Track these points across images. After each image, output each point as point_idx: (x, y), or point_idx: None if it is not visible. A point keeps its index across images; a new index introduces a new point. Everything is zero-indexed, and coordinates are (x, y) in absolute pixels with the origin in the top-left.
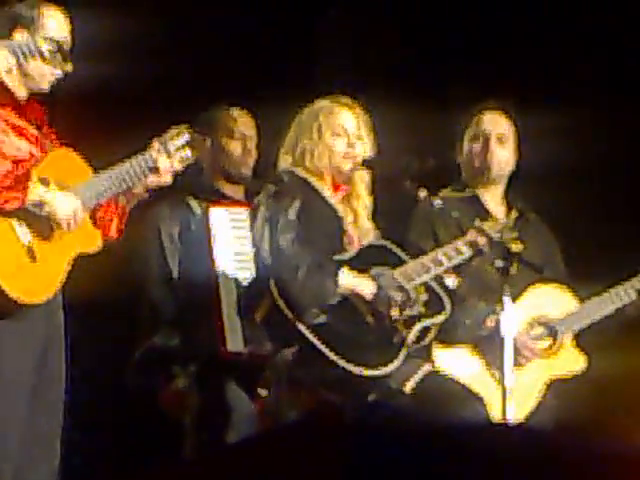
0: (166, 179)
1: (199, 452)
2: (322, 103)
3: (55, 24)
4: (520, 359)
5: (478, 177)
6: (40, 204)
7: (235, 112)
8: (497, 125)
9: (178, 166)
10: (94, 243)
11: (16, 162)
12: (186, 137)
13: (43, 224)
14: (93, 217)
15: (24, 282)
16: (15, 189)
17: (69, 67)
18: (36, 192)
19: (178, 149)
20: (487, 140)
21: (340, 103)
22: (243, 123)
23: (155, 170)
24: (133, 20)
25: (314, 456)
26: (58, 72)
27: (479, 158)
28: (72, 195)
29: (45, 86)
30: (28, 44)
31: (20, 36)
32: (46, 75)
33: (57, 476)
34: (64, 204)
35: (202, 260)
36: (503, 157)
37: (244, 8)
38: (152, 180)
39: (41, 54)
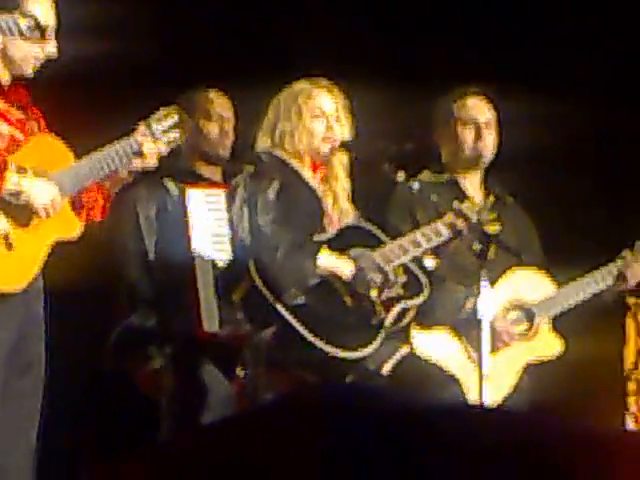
0: (151, 162)
1: (175, 433)
2: (301, 85)
3: (40, 9)
4: (498, 343)
5: (466, 163)
6: (17, 193)
7: (212, 94)
8: (484, 111)
9: (164, 148)
10: (73, 229)
11: None
12: (175, 119)
13: (20, 212)
14: (78, 201)
15: (0, 270)
16: None
17: (51, 48)
18: (13, 181)
19: (166, 131)
20: (478, 127)
21: (319, 85)
22: (220, 105)
23: (140, 154)
24: (115, 3)
25: (291, 437)
26: (38, 50)
27: (471, 145)
28: (50, 183)
29: (28, 70)
30: (7, 21)
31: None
32: (28, 57)
33: (33, 459)
34: (42, 192)
35: (179, 241)
36: (491, 144)
37: None
38: (137, 163)
39: (20, 31)
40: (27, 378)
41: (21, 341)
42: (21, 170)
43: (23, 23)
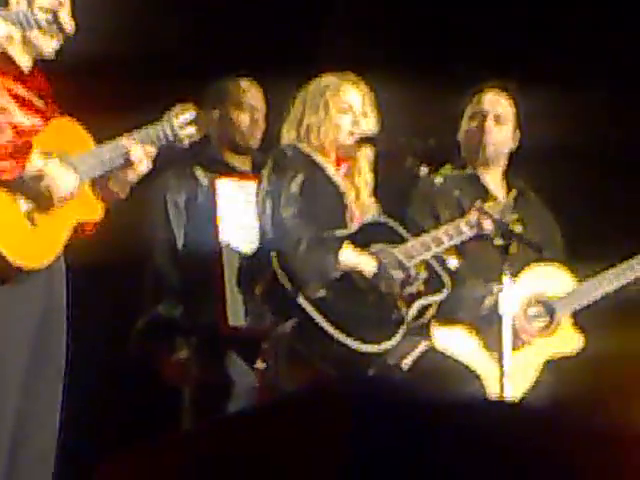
0: (144, 168)
1: (198, 423)
2: (328, 79)
3: None
4: (518, 342)
5: (475, 156)
6: (39, 177)
7: (244, 83)
8: (496, 104)
9: (153, 150)
10: (95, 213)
11: (18, 132)
12: (192, 114)
13: (41, 196)
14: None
15: (24, 247)
16: (14, 159)
17: (69, 29)
18: (37, 164)
19: (183, 126)
20: (483, 119)
21: (346, 79)
22: (252, 94)
23: (174, 138)
24: None
25: (311, 430)
26: (56, 42)
27: (475, 137)
28: (72, 172)
29: (49, 52)
30: (26, 15)
31: (15, 1)
32: (45, 44)
33: (55, 445)
34: (63, 182)
35: (207, 231)
36: (499, 137)
37: None
38: (131, 175)
39: (39, 25)
40: (52, 361)
41: (45, 320)
42: (47, 154)
43: (41, 17)
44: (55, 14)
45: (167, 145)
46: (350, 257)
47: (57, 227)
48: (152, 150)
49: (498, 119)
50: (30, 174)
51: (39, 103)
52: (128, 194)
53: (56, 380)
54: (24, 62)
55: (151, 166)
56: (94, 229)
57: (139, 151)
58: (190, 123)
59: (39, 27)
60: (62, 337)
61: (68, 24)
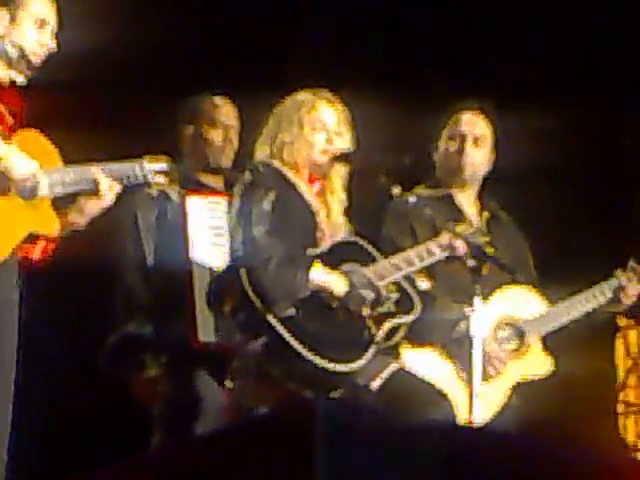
0: (108, 201)
1: (167, 442)
2: (303, 96)
3: (42, 5)
4: (490, 369)
5: (452, 177)
6: None
7: (218, 100)
8: (474, 126)
9: (118, 187)
10: (50, 227)
11: None
12: (165, 166)
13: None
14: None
15: None
16: None
17: (37, 62)
18: None
19: (154, 173)
20: (463, 141)
21: (321, 97)
22: (226, 112)
23: (143, 180)
24: (117, 7)
25: (281, 450)
26: (22, 78)
27: (454, 159)
28: (31, 160)
29: (19, 82)
30: None
31: None
32: (14, 77)
33: (7, 442)
34: (21, 164)
35: (177, 248)
36: (478, 159)
37: None
38: (93, 206)
39: (8, 57)
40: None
41: None
42: (5, 137)
43: (10, 51)
44: (23, 51)
45: (134, 184)
46: (320, 276)
47: (8, 231)
48: (117, 186)
49: (477, 141)
50: None
51: (8, 118)
52: (86, 225)
53: (7, 374)
54: (1, 75)
55: (113, 201)
56: (54, 250)
57: (106, 183)
58: (161, 173)
59: (9, 61)
60: (13, 334)
61: (37, 57)
